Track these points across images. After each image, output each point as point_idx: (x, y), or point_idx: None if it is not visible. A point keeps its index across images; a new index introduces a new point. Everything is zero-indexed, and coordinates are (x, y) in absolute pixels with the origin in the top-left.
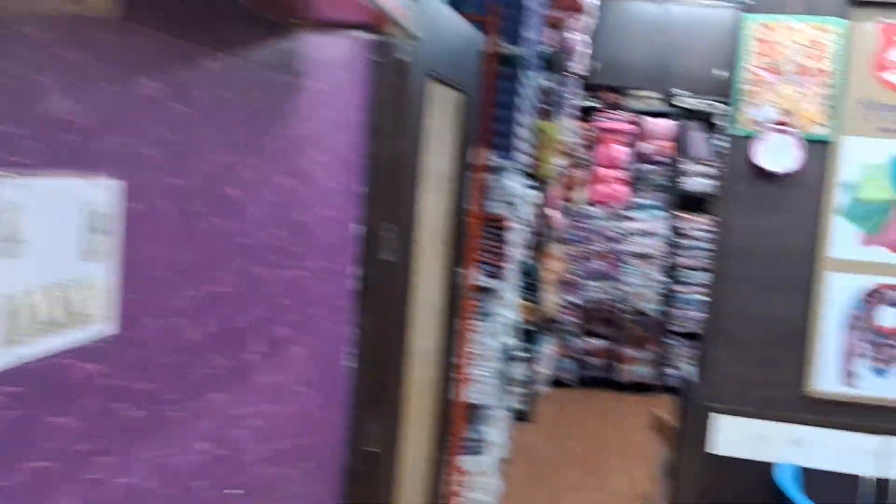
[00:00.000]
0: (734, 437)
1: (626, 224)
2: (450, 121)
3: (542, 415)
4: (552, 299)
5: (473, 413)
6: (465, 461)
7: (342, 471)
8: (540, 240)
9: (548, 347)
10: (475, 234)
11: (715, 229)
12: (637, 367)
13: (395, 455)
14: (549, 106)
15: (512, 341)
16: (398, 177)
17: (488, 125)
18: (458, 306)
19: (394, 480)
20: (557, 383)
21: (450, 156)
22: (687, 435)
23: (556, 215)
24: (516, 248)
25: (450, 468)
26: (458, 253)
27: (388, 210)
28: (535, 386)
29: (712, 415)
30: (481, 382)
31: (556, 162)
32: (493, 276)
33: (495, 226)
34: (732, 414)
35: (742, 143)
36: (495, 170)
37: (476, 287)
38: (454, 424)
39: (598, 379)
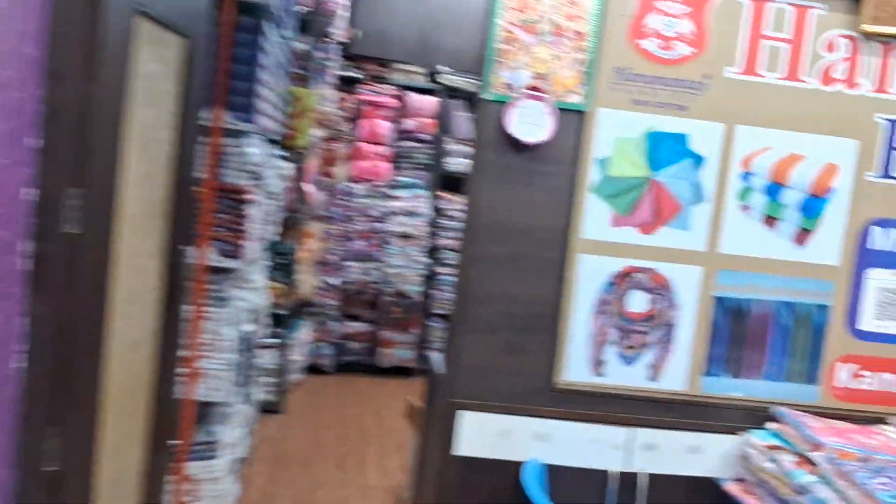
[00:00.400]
0: (480, 433)
1: (389, 203)
2: (171, 71)
3: (293, 405)
4: (309, 281)
5: (205, 412)
6: (194, 467)
7: (11, 497)
8: (295, 217)
9: (303, 332)
10: (208, 208)
11: (464, 204)
12: (398, 350)
13: (90, 471)
14: (305, 71)
15: (257, 328)
16: (89, 130)
17: (225, 82)
18: (183, 290)
19: (88, 502)
20: (313, 370)
21: (171, 113)
22: (431, 431)
23: (313, 191)
24: (261, 225)
25: (174, 477)
26: (184, 228)
27: (75, 171)
28: (287, 374)
29: (457, 410)
30: (215, 377)
31: (314, 133)
32: (230, 255)
33: (234, 198)
34: (478, 409)
35: (495, 109)
36: (234, 134)
37: (209, 268)
38: (179, 427)
39: (357, 364)
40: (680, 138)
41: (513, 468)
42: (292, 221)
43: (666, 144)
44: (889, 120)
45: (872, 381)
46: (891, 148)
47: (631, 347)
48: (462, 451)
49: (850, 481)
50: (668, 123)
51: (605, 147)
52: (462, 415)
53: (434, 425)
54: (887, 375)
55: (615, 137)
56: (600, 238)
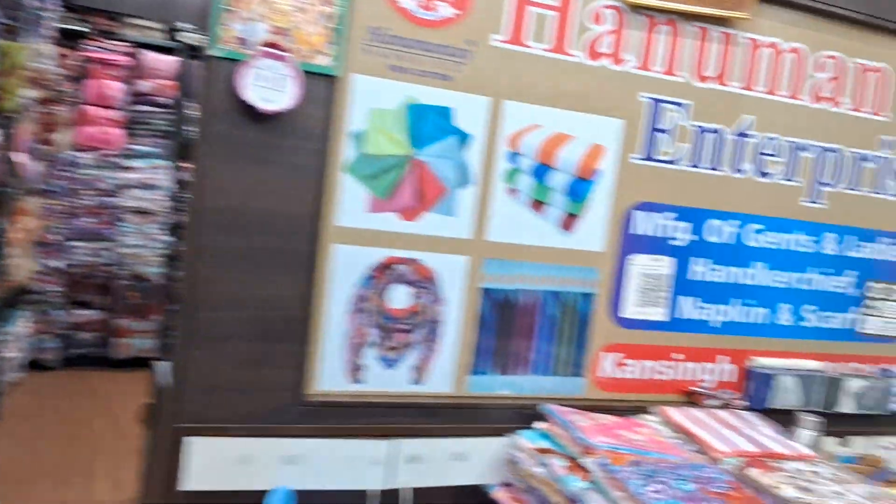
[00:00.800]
0: (215, 463)
1: (122, 174)
2: None
3: (9, 410)
4: (24, 265)
5: None
6: None
7: None
8: (4, 192)
9: (20, 324)
10: None
11: (191, 184)
12: (137, 340)
13: None
14: (13, 22)
15: None
16: None
17: None
18: None
19: None
20: (35, 366)
21: None
22: (154, 462)
23: (27, 161)
24: None
25: None
26: None
27: None
28: (1, 375)
29: (184, 437)
30: None
31: (27, 94)
32: None
33: None
34: (212, 434)
35: (225, 68)
36: None
37: None
38: None
39: (89, 357)
40: (444, 112)
41: (256, 499)
42: (1, 197)
43: (428, 119)
44: (652, 99)
45: (634, 369)
46: (653, 129)
47: (393, 348)
48: (192, 486)
49: (625, 490)
50: (431, 95)
51: (360, 119)
52: (191, 442)
53: (157, 455)
54: (648, 363)
55: (371, 108)
56: (356, 225)
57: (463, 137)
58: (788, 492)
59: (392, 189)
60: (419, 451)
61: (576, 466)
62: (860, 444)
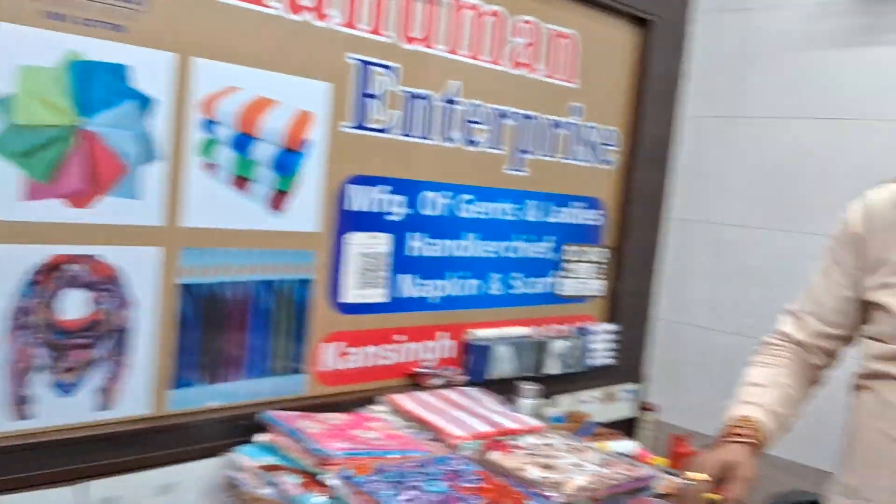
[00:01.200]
0: None
1: None
2: None
3: None
4: None
5: None
6: None
7: None
8: None
9: None
10: None
11: None
12: None
13: None
14: None
15: None
16: None
17: None
18: None
19: None
20: None
21: None
22: None
23: None
24: None
25: None
26: None
27: None
28: None
29: None
30: None
31: None
32: None
33: None
34: None
35: None
36: None
37: None
38: None
39: None
40: (117, 71)
41: None
42: None
43: (98, 79)
44: (360, 61)
45: (357, 358)
46: (363, 94)
47: (69, 370)
48: None
49: (375, 503)
50: (100, 49)
51: (5, 81)
52: None
53: None
54: (371, 349)
55: (21, 66)
56: (8, 218)
57: (144, 102)
58: (534, 473)
59: (54, 169)
60: (115, 492)
61: (312, 482)
62: (566, 402)
